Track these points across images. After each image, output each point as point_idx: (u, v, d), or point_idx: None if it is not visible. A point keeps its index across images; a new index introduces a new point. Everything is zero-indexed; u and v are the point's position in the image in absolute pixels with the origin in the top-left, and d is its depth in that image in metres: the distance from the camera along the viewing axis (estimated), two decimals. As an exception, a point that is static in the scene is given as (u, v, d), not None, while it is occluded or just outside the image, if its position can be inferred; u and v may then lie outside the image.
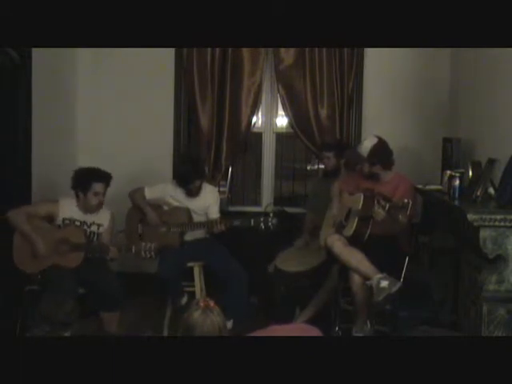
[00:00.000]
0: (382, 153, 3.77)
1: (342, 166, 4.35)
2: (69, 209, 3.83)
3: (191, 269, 4.09)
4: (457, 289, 3.60)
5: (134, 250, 3.76)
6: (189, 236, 4.14)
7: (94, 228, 3.88)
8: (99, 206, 3.85)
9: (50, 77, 4.65)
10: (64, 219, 3.81)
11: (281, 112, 5.19)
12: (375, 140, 3.78)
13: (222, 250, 4.13)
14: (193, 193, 4.10)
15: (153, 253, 3.74)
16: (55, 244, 3.69)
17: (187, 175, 4.08)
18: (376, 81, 4.96)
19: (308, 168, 5.71)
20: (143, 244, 3.74)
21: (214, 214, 4.18)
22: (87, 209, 3.85)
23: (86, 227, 3.85)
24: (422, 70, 4.89)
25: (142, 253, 3.73)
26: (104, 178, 3.83)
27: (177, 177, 4.19)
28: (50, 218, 3.81)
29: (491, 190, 3.36)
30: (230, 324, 3.81)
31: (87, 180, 3.80)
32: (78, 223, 3.83)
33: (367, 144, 3.77)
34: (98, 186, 3.80)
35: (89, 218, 3.87)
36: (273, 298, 4.29)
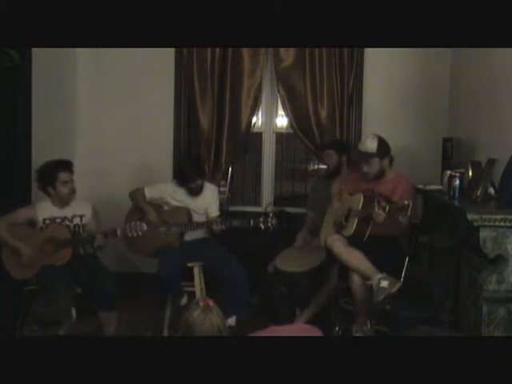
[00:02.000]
0: (387, 147, 3.78)
1: (344, 164, 4.34)
2: (46, 209, 3.84)
3: (191, 269, 4.09)
4: (457, 289, 3.60)
5: (119, 233, 3.78)
6: (189, 236, 4.14)
7: (76, 220, 3.88)
8: (72, 193, 3.84)
9: (50, 77, 4.65)
10: (44, 219, 3.81)
11: (281, 112, 5.19)
12: (377, 137, 3.79)
13: (222, 250, 4.13)
14: (194, 192, 4.10)
15: (139, 230, 3.74)
16: (42, 246, 3.70)
17: (189, 174, 4.08)
18: (376, 81, 4.96)
19: (308, 168, 5.71)
20: (128, 224, 3.76)
21: (214, 212, 4.18)
22: (62, 201, 3.84)
23: (68, 222, 3.85)
24: (421, 70, 4.89)
25: (128, 232, 3.74)
26: (66, 165, 3.83)
27: (178, 176, 4.19)
28: (31, 223, 3.82)
29: (491, 190, 3.36)
30: (233, 321, 3.82)
31: (51, 173, 3.79)
32: (59, 220, 3.83)
33: (372, 140, 3.76)
34: (64, 175, 3.80)
35: (68, 212, 3.86)
36: (273, 298, 4.29)
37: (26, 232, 3.76)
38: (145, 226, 3.86)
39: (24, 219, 3.80)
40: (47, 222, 3.82)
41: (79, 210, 3.90)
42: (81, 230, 3.87)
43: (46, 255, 3.70)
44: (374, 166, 3.75)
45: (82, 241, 3.80)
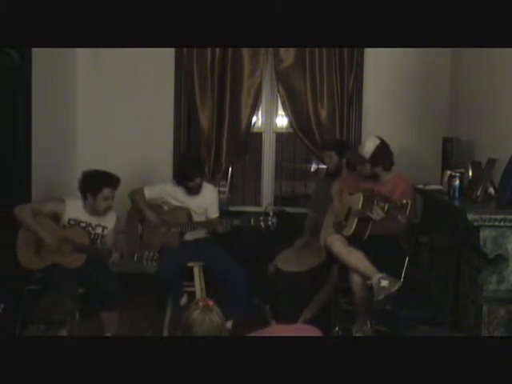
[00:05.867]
0: (384, 155, 3.77)
1: (343, 165, 4.35)
2: (75, 209, 3.81)
3: (191, 269, 4.09)
4: (457, 289, 3.60)
5: (136, 258, 3.76)
6: (189, 236, 4.14)
7: (98, 230, 3.87)
8: (108, 209, 3.84)
9: (50, 77, 4.65)
10: (69, 219, 3.80)
11: (281, 112, 5.20)
12: (377, 141, 3.76)
13: (221, 250, 4.13)
14: (193, 191, 4.10)
15: (154, 262, 3.75)
16: (59, 243, 3.70)
17: (188, 172, 4.08)
18: (376, 81, 4.96)
19: (308, 168, 5.71)
20: (145, 253, 3.75)
21: (214, 213, 4.18)
22: (95, 212, 3.82)
23: (90, 229, 3.84)
24: (422, 70, 4.89)
25: (144, 261, 3.74)
26: (114, 182, 3.81)
27: (177, 175, 4.19)
28: (56, 217, 3.80)
29: (491, 190, 3.36)
30: (229, 324, 3.81)
31: (98, 184, 3.76)
32: (83, 224, 3.81)
33: (369, 145, 3.75)
34: (108, 191, 3.77)
35: (94, 221, 3.85)
36: (273, 298, 4.29)
37: (47, 224, 3.73)
38: (159, 255, 3.81)
39: (50, 212, 3.77)
40: (72, 222, 3.80)
41: (105, 222, 3.88)
42: (99, 240, 3.86)
43: (60, 254, 3.69)
44: (365, 170, 3.80)
45: (98, 253, 3.79)
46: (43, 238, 3.67)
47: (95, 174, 3.82)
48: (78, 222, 3.81)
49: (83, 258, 3.70)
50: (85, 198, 3.81)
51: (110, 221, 3.91)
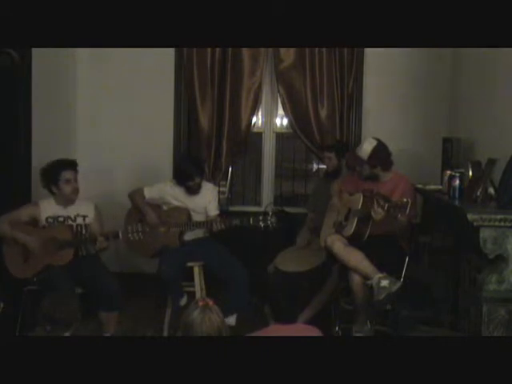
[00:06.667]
0: (382, 155, 3.77)
1: (343, 166, 4.35)
2: (49, 207, 3.84)
3: (191, 269, 4.09)
4: (457, 289, 3.60)
5: (120, 236, 3.79)
6: (189, 236, 4.14)
7: (79, 220, 3.87)
8: (75, 192, 3.84)
9: (50, 77, 4.65)
10: (47, 218, 3.81)
11: (281, 112, 5.20)
12: (375, 142, 3.77)
13: (222, 250, 4.13)
14: (193, 190, 4.10)
15: (140, 234, 3.78)
16: (44, 245, 3.70)
17: (188, 172, 4.08)
18: (376, 81, 4.96)
19: (308, 168, 5.72)
20: (129, 227, 3.78)
21: (213, 210, 4.17)
22: (66, 200, 3.84)
23: (71, 222, 3.85)
24: (422, 70, 4.89)
25: (130, 235, 3.79)
26: (70, 164, 3.84)
27: (177, 174, 4.19)
28: (34, 221, 3.81)
29: (491, 190, 3.36)
30: (233, 320, 3.83)
31: (55, 171, 3.80)
32: (61, 219, 3.83)
33: (367, 147, 3.76)
34: (67, 174, 3.80)
35: (71, 212, 3.86)
36: (272, 298, 4.29)
37: (28, 230, 3.75)
38: (146, 229, 3.86)
39: (27, 217, 3.80)
40: (50, 220, 3.81)
41: (83, 210, 3.90)
42: (83, 230, 3.87)
43: (48, 255, 3.69)
44: (365, 171, 3.79)
45: (83, 242, 3.80)
46: (26, 243, 3.68)
47: (50, 165, 3.85)
48: (56, 218, 3.82)
49: (71, 253, 3.71)
50: (51, 191, 3.84)
51: (87, 209, 3.92)
